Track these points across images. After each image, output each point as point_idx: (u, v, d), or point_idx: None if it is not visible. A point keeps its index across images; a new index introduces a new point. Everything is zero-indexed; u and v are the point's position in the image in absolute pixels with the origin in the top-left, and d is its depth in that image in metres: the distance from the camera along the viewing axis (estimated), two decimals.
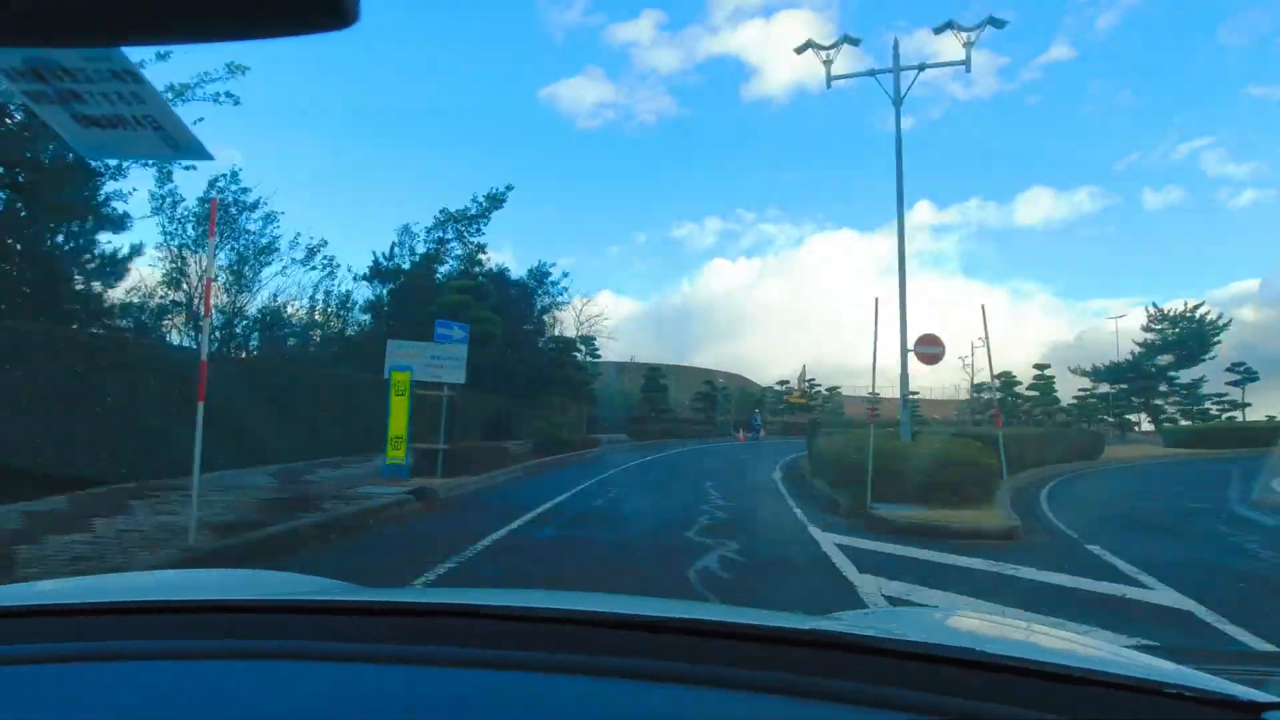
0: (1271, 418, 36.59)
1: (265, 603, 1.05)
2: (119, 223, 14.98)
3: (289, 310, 21.28)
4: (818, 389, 60.75)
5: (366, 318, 23.83)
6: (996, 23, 13.40)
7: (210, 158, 0.88)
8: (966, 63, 13.51)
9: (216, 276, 17.86)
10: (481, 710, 0.74)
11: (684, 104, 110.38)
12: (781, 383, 59.57)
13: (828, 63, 14.16)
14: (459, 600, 1.01)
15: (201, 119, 14.41)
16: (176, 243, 18.23)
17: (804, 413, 54.80)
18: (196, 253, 17.94)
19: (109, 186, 15.00)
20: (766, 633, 0.87)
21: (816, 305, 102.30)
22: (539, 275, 32.00)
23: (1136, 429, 44.64)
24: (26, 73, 0.78)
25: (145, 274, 18.07)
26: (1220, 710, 0.76)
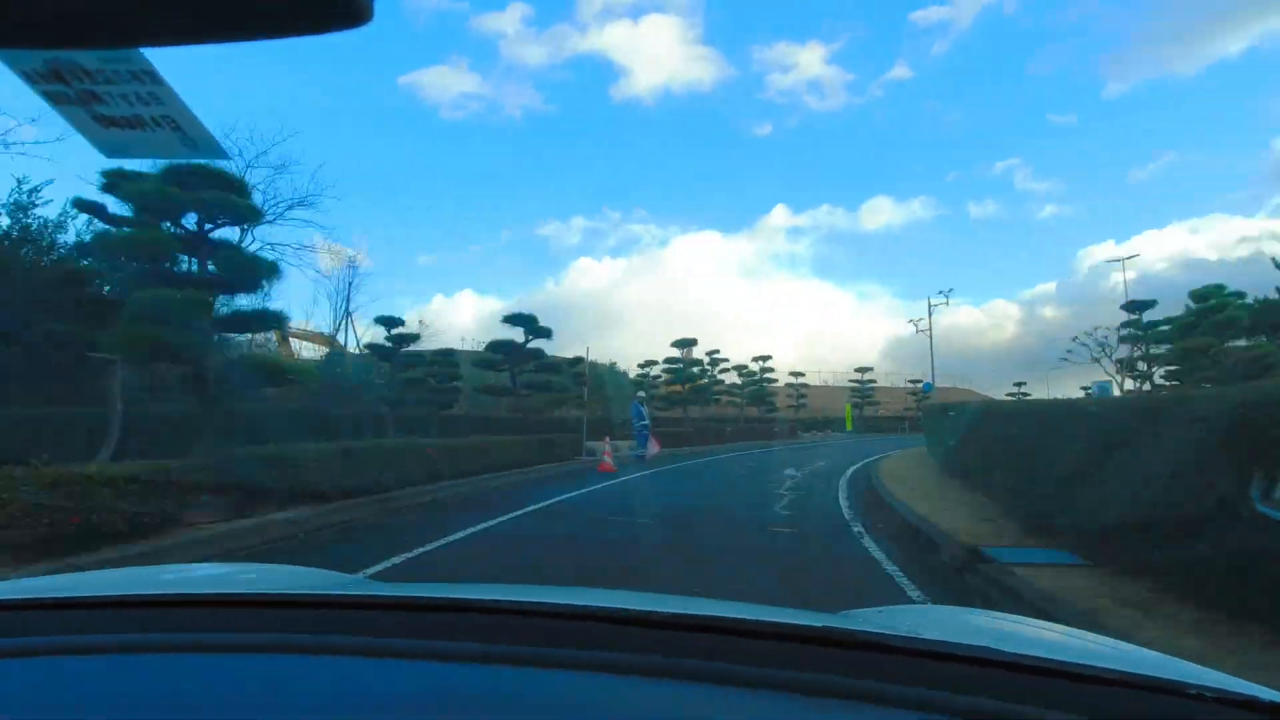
0: None
1: (281, 597, 1.06)
2: None
3: None
4: (724, 365, 38.09)
5: None
6: None
7: (228, 156, 0.89)
8: None
9: None
10: (499, 706, 0.75)
11: (551, 100, 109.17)
12: (681, 342, 35.63)
13: None
14: (476, 596, 1.01)
15: None
16: None
17: (703, 403, 34.38)
18: None
19: None
20: (779, 630, 0.87)
21: (683, 304, 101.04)
22: None
23: None
24: (48, 74, 0.79)
25: None
26: (1243, 711, 0.75)
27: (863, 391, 53.31)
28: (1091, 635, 1.26)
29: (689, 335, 36.34)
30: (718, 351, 37.93)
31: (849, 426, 43.79)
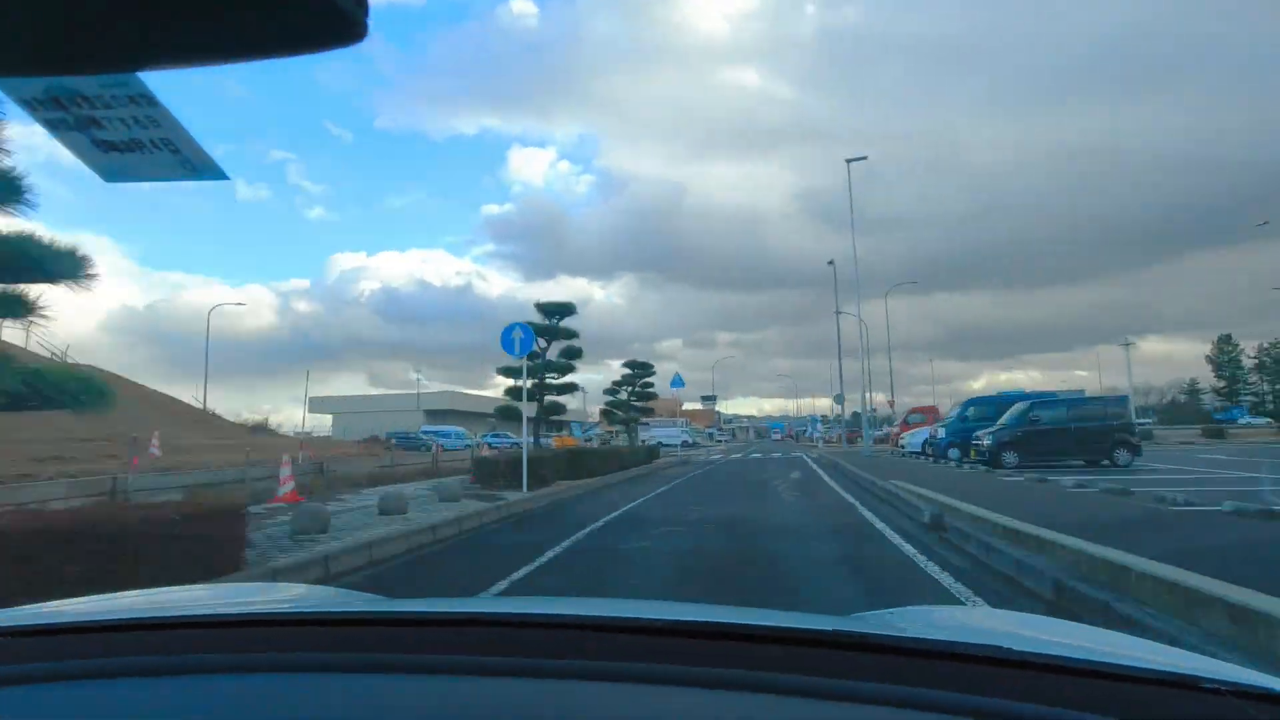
0: None
1: (287, 615, 1.06)
2: None
3: None
4: None
5: None
6: None
7: (226, 177, 0.88)
8: None
9: None
10: (499, 717, 0.75)
11: None
12: None
13: None
14: (480, 610, 1.01)
15: None
16: None
17: None
18: None
19: None
20: (790, 634, 0.86)
21: None
22: None
23: None
24: (47, 101, 0.80)
25: None
26: (1259, 704, 0.75)
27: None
28: (1102, 631, 1.26)
29: None
30: None
31: None
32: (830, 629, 0.86)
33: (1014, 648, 0.80)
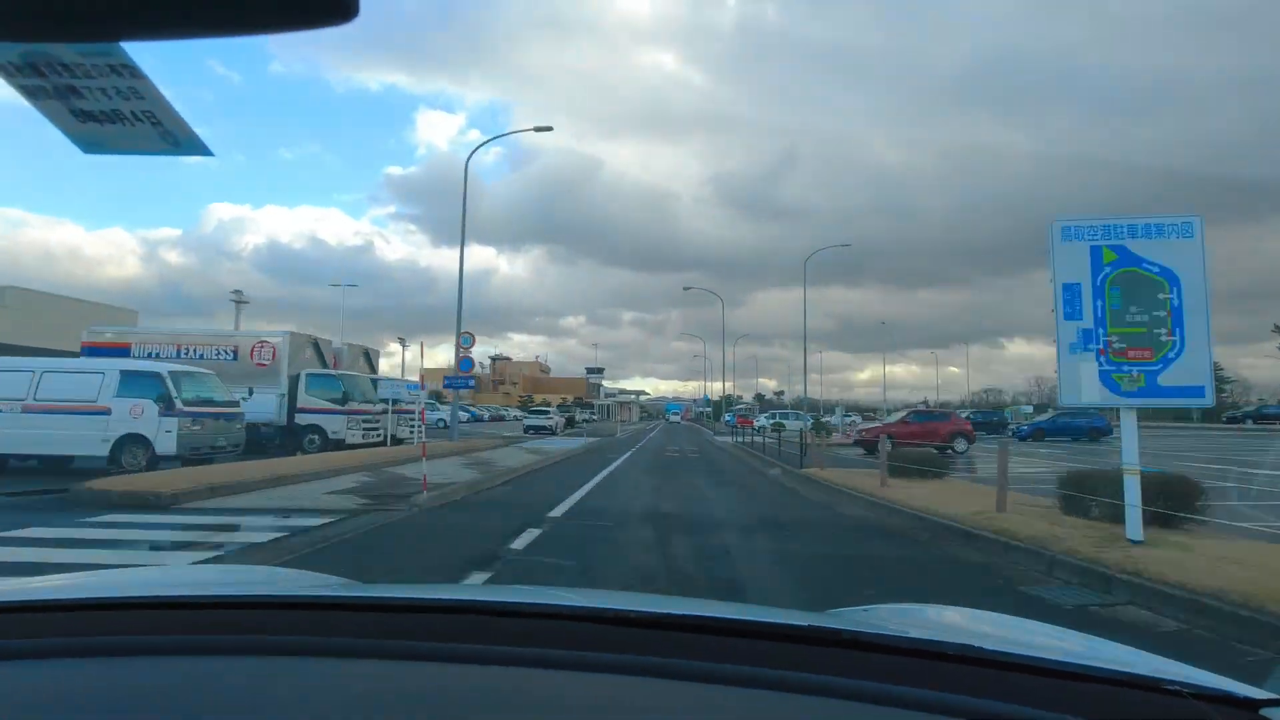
0: None
1: (261, 599, 1.05)
2: None
3: None
4: None
5: None
6: None
7: (210, 153, 0.86)
8: None
9: None
10: (473, 705, 0.74)
11: None
12: None
13: None
14: (453, 597, 1.01)
15: None
16: None
17: None
18: None
19: None
20: (766, 629, 0.87)
21: None
22: None
23: None
24: (24, 67, 0.77)
25: None
26: (1219, 706, 0.76)
27: None
28: (1070, 632, 1.28)
29: None
30: None
31: None
32: (806, 624, 0.87)
33: (987, 646, 0.81)
